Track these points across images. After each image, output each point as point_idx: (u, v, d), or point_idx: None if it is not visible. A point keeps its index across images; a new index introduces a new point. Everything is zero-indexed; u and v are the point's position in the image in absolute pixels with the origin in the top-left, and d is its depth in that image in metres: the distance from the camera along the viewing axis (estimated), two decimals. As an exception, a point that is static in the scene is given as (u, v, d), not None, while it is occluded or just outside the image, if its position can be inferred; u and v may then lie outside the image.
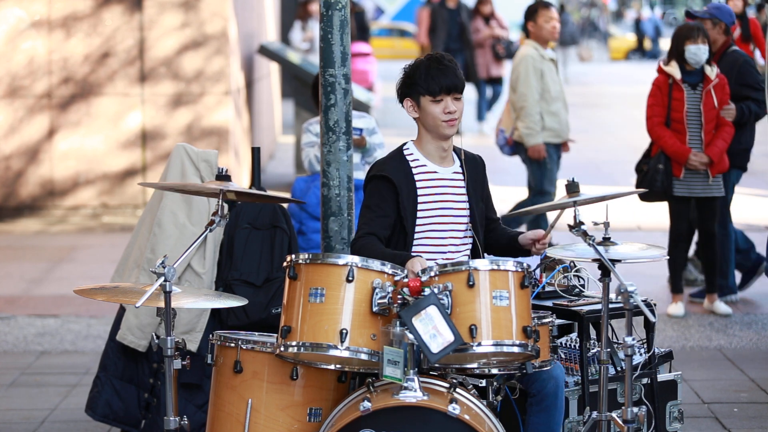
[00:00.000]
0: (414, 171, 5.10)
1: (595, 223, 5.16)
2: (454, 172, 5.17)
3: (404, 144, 5.20)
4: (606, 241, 5.09)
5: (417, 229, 5.06)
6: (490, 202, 5.32)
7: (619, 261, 5.01)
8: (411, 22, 44.41)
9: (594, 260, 5.02)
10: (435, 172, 5.13)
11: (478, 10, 19.36)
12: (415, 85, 5.05)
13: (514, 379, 4.93)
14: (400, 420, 4.42)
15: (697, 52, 8.35)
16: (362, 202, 5.13)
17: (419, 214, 5.06)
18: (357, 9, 21.51)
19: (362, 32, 21.11)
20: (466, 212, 5.13)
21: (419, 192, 5.07)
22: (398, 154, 5.15)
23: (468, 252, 5.15)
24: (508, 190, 12.29)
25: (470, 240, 5.15)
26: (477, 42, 18.86)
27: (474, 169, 5.20)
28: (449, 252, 5.09)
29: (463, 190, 5.15)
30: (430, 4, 20.93)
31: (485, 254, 5.25)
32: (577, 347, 5.50)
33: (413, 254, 4.90)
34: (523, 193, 11.92)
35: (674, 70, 8.45)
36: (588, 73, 34.45)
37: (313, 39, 17.54)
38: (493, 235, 5.27)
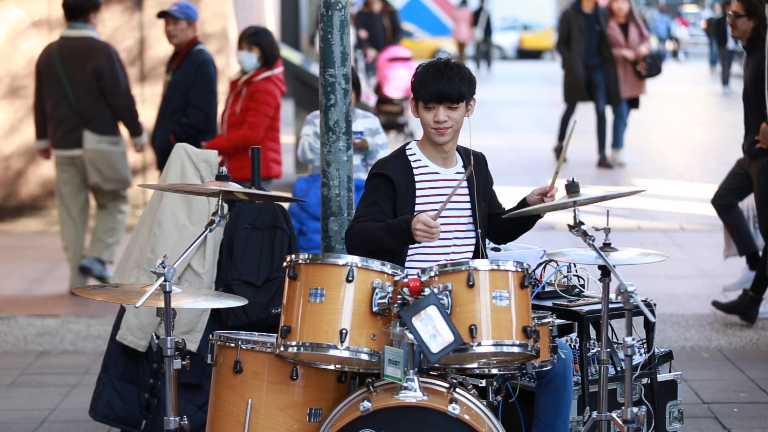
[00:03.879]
0: (415, 171, 5.11)
1: (596, 229, 5.15)
2: (457, 173, 5.17)
3: (407, 143, 5.22)
4: (606, 246, 5.08)
5: (416, 229, 5.07)
6: (495, 198, 5.32)
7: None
8: (412, 22, 44.51)
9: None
10: (437, 173, 5.14)
11: (611, 11, 15.20)
12: (414, 88, 5.07)
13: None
14: (400, 420, 4.42)
15: (239, 58, 8.47)
16: (361, 197, 5.15)
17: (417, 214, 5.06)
18: (390, 9, 20.69)
19: (396, 33, 20.35)
20: (469, 212, 5.14)
21: (418, 192, 5.08)
22: (401, 154, 5.17)
23: (471, 252, 5.15)
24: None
25: (474, 240, 5.15)
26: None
27: (478, 167, 5.20)
28: (452, 252, 5.09)
29: (467, 190, 5.15)
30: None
31: (489, 251, 5.26)
32: (577, 347, 5.50)
33: (416, 213, 4.90)
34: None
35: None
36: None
37: None
38: (498, 220, 5.25)
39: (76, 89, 9.38)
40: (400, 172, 5.08)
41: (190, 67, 8.89)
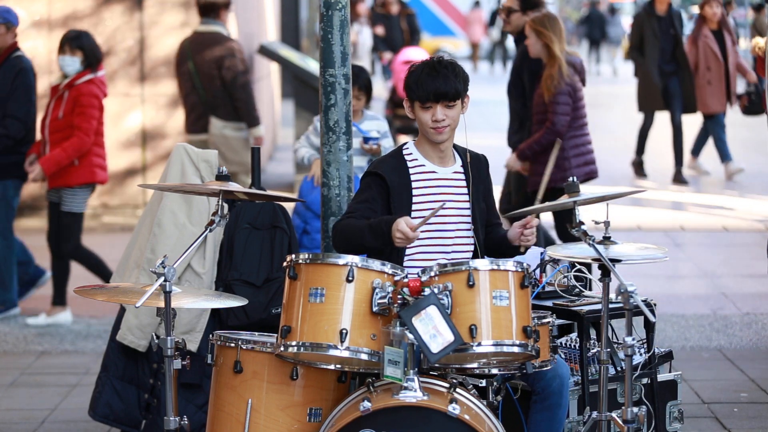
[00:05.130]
0: (411, 170, 5.11)
1: (596, 222, 5.15)
2: (455, 172, 5.17)
3: (404, 144, 5.22)
4: (606, 240, 5.09)
5: (415, 229, 5.06)
6: (493, 206, 5.29)
7: (618, 261, 5.01)
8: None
9: (594, 260, 5.02)
10: (434, 171, 5.13)
11: (703, 17, 13.62)
12: (409, 88, 5.05)
13: (519, 377, 4.93)
14: (400, 420, 4.42)
15: (62, 63, 8.50)
16: (355, 194, 5.16)
17: (414, 214, 5.06)
18: (408, 11, 20.64)
19: (414, 36, 20.28)
20: (469, 211, 5.13)
21: (414, 192, 5.08)
22: (397, 154, 5.17)
23: (471, 252, 5.14)
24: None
25: (473, 240, 5.15)
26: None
27: (477, 168, 5.20)
28: (454, 251, 5.09)
29: (465, 190, 5.15)
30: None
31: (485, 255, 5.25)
32: (577, 347, 5.50)
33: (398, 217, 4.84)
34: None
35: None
36: (588, 73, 34.45)
37: (357, 43, 16.54)
38: (489, 238, 5.25)
39: (204, 80, 10.22)
40: (395, 171, 5.07)
41: (8, 74, 8.77)
